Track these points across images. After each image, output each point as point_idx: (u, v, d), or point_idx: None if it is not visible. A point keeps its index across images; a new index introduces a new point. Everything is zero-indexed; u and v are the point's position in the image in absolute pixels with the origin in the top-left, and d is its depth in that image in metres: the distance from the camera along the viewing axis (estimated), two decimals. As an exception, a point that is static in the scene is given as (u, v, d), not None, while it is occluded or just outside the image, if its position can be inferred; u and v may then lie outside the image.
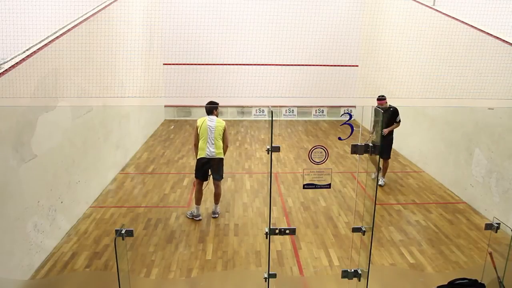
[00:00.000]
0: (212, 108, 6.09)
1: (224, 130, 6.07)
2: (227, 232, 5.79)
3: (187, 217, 6.19)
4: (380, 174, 7.60)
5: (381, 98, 7.06)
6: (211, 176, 6.18)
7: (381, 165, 7.51)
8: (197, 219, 6.13)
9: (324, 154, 3.35)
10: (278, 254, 5.20)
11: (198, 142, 6.01)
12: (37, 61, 4.95)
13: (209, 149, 5.97)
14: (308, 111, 13.30)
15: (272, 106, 3.29)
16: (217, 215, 6.25)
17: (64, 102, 5.61)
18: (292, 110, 13.23)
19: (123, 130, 8.45)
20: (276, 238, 5.42)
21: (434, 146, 7.96)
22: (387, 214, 6.36)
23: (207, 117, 6.05)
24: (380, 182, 7.55)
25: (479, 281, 3.67)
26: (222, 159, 6.12)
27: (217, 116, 6.13)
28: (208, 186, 6.26)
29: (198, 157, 6.04)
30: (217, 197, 6.26)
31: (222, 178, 6.21)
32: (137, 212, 6.34)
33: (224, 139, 6.11)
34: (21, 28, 4.91)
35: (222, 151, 6.08)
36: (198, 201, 6.18)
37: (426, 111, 8.35)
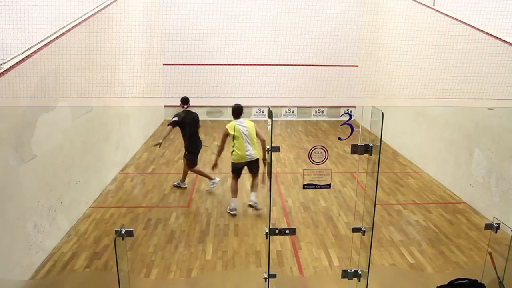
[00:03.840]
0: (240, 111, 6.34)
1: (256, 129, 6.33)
2: (227, 232, 5.79)
3: (228, 212, 6.31)
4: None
5: (184, 101, 6.85)
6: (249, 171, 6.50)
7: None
8: (233, 212, 6.27)
9: (324, 154, 3.35)
10: (278, 254, 5.20)
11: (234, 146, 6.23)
12: (37, 61, 4.95)
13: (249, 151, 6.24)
14: (308, 111, 13.31)
15: (272, 106, 3.30)
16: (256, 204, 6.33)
17: (64, 102, 5.61)
18: (292, 110, 13.23)
19: (123, 130, 8.45)
20: (276, 238, 5.42)
21: (434, 146, 7.96)
22: (387, 214, 6.36)
23: (236, 121, 6.28)
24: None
25: (479, 281, 3.67)
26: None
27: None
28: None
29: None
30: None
31: None
32: (137, 212, 6.34)
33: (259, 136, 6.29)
34: (21, 28, 4.91)
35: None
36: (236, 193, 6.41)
37: (426, 111, 8.35)
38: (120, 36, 7.46)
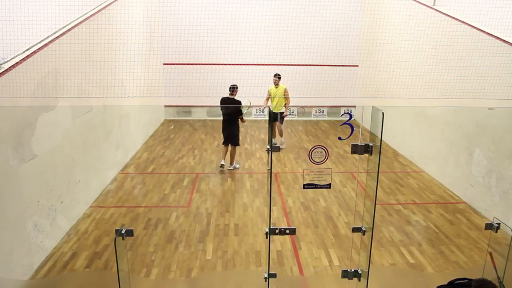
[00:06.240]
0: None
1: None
2: (227, 232, 5.79)
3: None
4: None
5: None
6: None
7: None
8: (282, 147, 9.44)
9: (324, 154, 3.35)
10: (278, 254, 5.21)
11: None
12: (37, 61, 4.95)
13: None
14: (308, 111, 13.30)
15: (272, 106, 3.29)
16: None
17: (64, 102, 5.61)
18: (293, 110, 13.21)
19: (123, 130, 8.45)
20: (276, 238, 5.42)
21: (434, 146, 7.96)
22: (387, 214, 6.36)
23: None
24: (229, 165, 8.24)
25: (479, 281, 3.67)
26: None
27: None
28: (209, 187, 6.18)
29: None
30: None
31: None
32: (137, 212, 6.34)
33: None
34: (21, 28, 4.91)
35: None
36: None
37: (426, 111, 8.35)
38: (120, 36, 7.46)
